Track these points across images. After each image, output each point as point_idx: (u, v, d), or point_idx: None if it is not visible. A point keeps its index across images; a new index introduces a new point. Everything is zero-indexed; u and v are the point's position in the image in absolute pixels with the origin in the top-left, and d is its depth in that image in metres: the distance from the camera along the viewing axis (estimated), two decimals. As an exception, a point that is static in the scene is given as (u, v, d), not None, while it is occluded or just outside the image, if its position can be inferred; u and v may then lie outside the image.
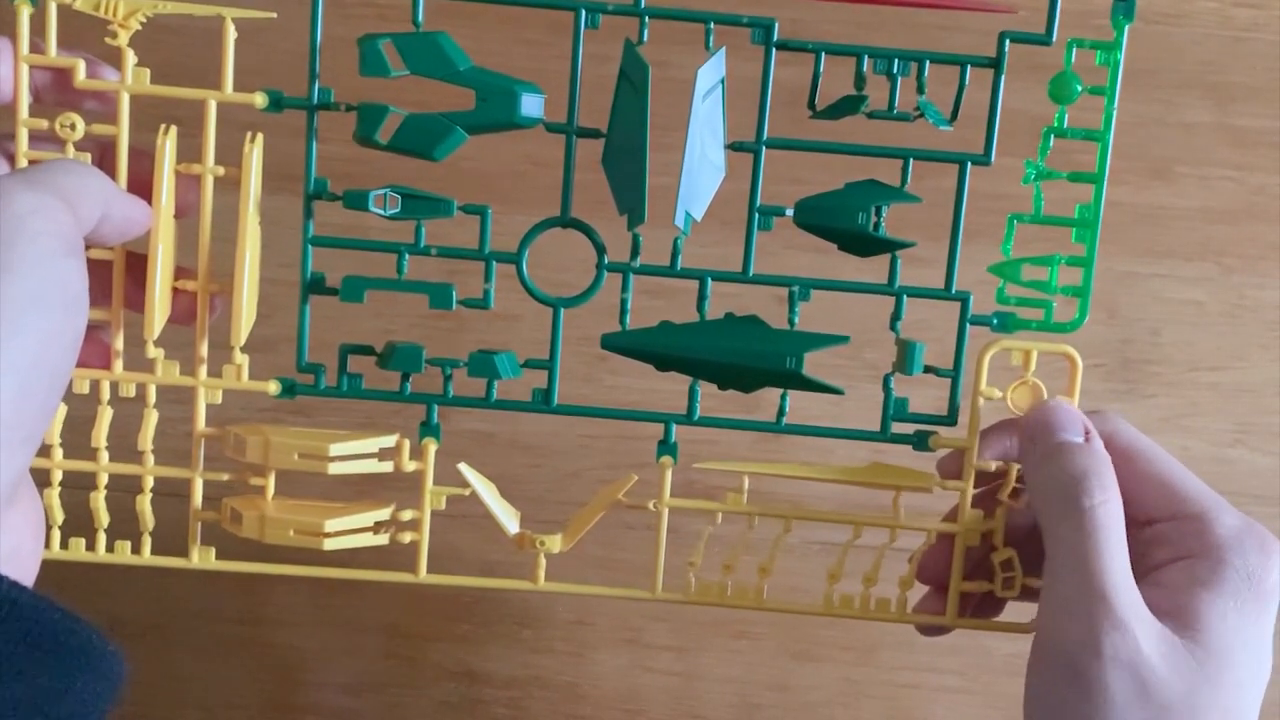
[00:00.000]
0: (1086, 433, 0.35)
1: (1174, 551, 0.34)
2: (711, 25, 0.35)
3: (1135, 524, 0.35)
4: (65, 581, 0.39)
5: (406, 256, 0.36)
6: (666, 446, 0.37)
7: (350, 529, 0.36)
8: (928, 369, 0.37)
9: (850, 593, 0.38)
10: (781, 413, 0.37)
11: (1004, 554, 0.37)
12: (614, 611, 0.49)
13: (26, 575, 0.31)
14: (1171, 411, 0.48)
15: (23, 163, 0.35)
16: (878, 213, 0.36)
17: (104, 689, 0.29)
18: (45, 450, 0.36)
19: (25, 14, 0.34)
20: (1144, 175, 0.46)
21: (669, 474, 0.37)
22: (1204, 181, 0.43)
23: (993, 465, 0.37)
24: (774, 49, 0.35)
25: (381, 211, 0.35)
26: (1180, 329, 0.48)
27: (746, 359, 0.36)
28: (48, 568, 0.36)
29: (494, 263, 0.37)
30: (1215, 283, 0.48)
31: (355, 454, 0.36)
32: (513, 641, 0.49)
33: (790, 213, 0.36)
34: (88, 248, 0.35)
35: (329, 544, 0.36)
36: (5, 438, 0.27)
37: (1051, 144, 0.36)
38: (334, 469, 0.36)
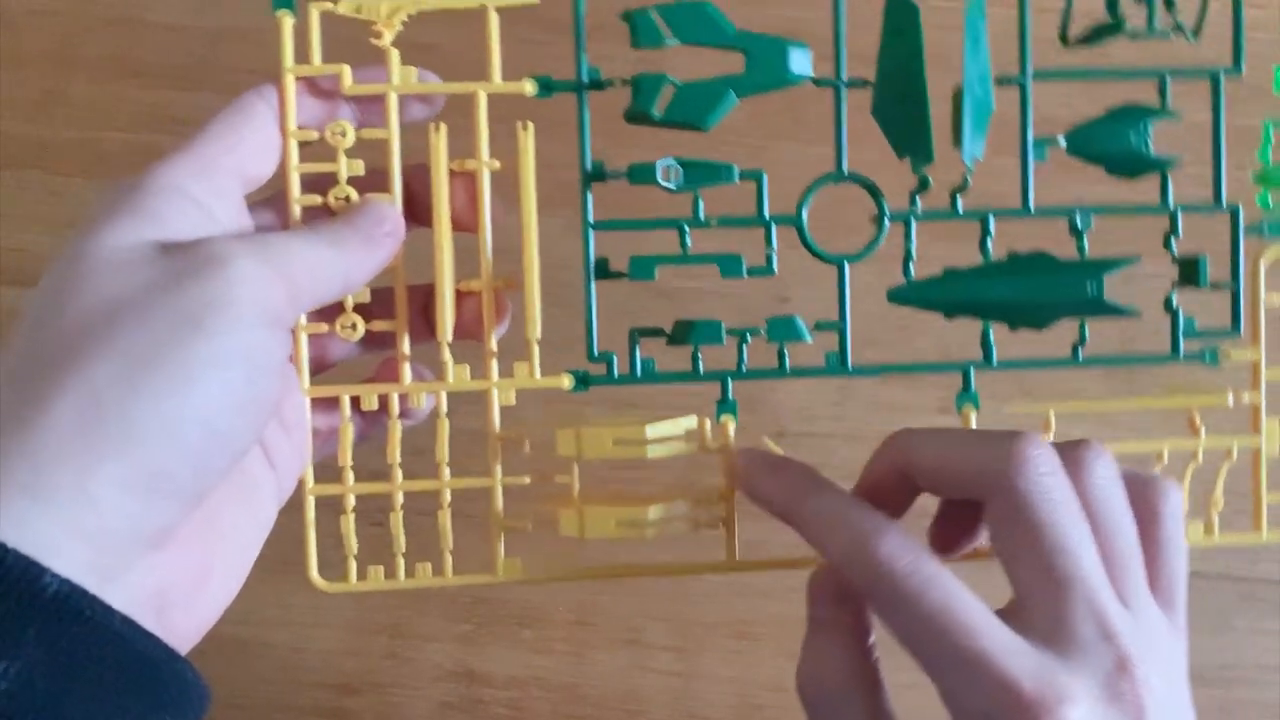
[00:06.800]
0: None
1: None
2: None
3: None
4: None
5: (688, 230, 0.36)
6: (968, 395, 0.37)
7: (668, 516, 0.35)
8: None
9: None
10: (1082, 342, 0.37)
11: None
12: (614, 611, 0.49)
13: (173, 612, 0.29)
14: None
15: (293, 177, 0.34)
16: (1145, 132, 0.36)
17: None
18: (337, 475, 0.35)
19: (289, 24, 0.34)
20: (1144, 175, 0.46)
21: (973, 419, 0.37)
22: (1204, 182, 0.44)
23: None
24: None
25: (667, 184, 0.35)
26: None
27: (1041, 293, 0.36)
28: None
29: (774, 227, 0.36)
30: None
31: (668, 436, 0.35)
32: (513, 641, 0.48)
33: (1063, 142, 0.36)
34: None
35: (651, 534, 0.34)
36: (146, 484, 0.27)
37: (1296, 50, 0.37)
38: (652, 451, 0.34)
